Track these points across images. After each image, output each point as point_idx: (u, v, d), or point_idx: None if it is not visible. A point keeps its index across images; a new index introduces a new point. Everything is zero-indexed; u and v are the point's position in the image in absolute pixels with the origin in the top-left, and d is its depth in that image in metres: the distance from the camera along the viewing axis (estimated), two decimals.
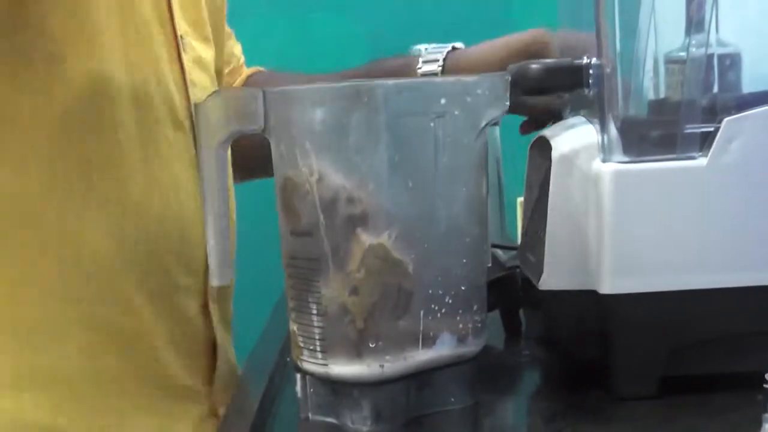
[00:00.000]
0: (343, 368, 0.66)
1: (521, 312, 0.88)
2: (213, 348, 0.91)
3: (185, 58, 0.89)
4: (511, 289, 0.84)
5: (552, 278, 0.70)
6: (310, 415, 0.69)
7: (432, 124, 0.65)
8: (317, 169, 0.65)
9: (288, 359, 0.82)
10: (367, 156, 0.64)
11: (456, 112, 0.66)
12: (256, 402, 0.72)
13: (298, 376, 0.70)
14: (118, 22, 0.81)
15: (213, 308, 0.90)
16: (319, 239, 0.65)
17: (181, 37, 0.89)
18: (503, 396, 0.75)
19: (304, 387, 0.69)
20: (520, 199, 1.11)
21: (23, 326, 0.78)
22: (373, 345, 0.65)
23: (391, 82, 0.67)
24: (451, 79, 0.68)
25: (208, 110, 0.67)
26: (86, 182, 0.79)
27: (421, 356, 0.66)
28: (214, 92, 0.68)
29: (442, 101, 0.65)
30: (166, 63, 0.87)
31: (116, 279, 0.81)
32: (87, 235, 0.79)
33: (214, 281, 0.69)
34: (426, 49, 1.04)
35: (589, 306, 0.69)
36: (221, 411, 0.90)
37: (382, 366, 0.65)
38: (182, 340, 0.87)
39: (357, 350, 0.65)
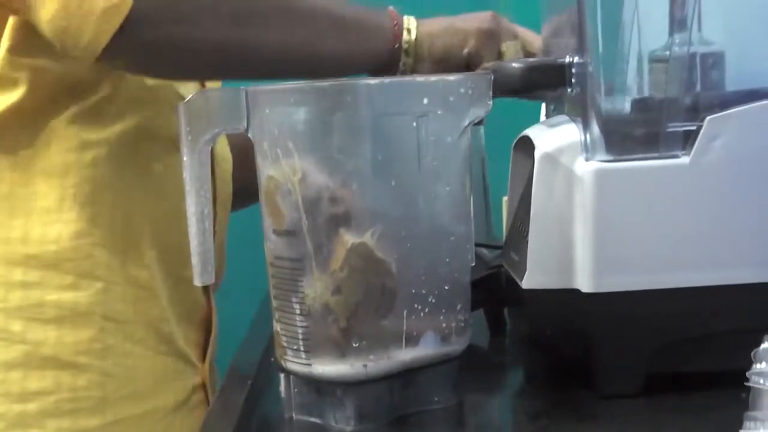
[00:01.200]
0: (327, 368, 0.66)
1: (506, 311, 0.88)
2: (208, 327, 0.93)
3: None
4: (495, 288, 0.84)
5: (535, 277, 0.70)
6: (293, 414, 0.69)
7: (415, 124, 0.65)
8: (300, 169, 0.65)
9: (272, 359, 0.82)
10: (350, 155, 0.64)
11: (439, 112, 0.66)
12: (240, 401, 0.71)
13: (282, 375, 0.70)
14: None
15: (212, 286, 0.92)
16: (302, 239, 0.65)
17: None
18: (488, 394, 0.75)
19: (287, 387, 0.69)
20: (506, 198, 1.11)
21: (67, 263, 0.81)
22: (357, 344, 0.65)
23: (374, 81, 0.67)
24: (433, 78, 0.68)
25: (191, 110, 0.67)
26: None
27: (404, 355, 0.66)
28: (197, 92, 0.68)
29: (425, 101, 0.65)
30: None
31: (133, 232, 0.83)
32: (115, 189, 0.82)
33: (197, 281, 0.69)
34: None
35: (572, 304, 0.69)
36: (209, 392, 0.92)
37: (365, 365, 0.65)
38: (183, 309, 0.89)
39: (340, 350, 0.65)
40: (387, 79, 0.68)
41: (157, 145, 0.85)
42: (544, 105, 0.99)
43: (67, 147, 0.80)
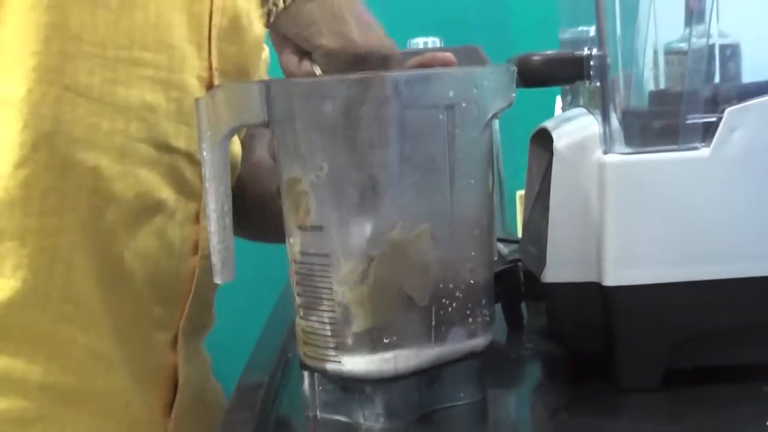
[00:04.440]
0: (357, 364, 0.65)
1: (523, 305, 0.87)
2: (176, 381, 0.88)
3: None
4: (512, 283, 0.84)
5: (555, 270, 0.70)
6: (318, 413, 0.68)
7: (441, 116, 0.64)
8: (327, 163, 0.64)
9: (289, 355, 0.82)
10: (378, 149, 0.63)
11: (463, 104, 0.65)
12: (258, 399, 0.71)
13: (306, 373, 0.68)
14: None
15: (181, 342, 0.88)
16: (330, 234, 0.64)
17: (215, 68, 0.87)
18: (507, 389, 0.74)
19: (311, 385, 0.68)
20: (520, 193, 1.10)
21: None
22: (387, 340, 0.64)
23: (401, 73, 0.66)
24: (459, 70, 0.67)
25: (209, 105, 0.66)
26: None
27: (433, 351, 0.65)
28: (216, 86, 0.67)
29: (451, 93, 0.64)
30: (199, 93, 0.86)
31: (87, 301, 0.79)
32: (64, 249, 0.77)
33: (218, 279, 0.68)
34: (425, 43, 1.04)
35: (592, 298, 0.69)
36: None
37: (395, 361, 0.64)
38: (143, 371, 0.84)
39: (370, 346, 0.64)
40: (414, 71, 0.67)
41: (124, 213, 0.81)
42: (559, 98, 0.99)
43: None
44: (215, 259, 0.68)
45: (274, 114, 0.66)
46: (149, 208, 0.82)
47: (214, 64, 0.87)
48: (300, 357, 0.69)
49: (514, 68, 0.67)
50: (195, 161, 0.86)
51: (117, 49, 0.78)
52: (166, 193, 0.83)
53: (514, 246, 0.86)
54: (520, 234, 0.86)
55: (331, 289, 0.65)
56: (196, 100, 0.67)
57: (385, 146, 0.64)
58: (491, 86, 0.66)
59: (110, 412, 0.82)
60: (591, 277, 0.69)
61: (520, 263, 0.83)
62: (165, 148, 0.83)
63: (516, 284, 0.83)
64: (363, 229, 0.64)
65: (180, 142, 0.84)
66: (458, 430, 0.67)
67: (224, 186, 0.67)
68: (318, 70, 0.71)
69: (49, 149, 0.75)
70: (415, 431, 0.66)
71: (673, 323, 0.68)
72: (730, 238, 0.68)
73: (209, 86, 0.86)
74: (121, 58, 0.78)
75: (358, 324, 0.65)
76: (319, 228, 0.65)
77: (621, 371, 0.69)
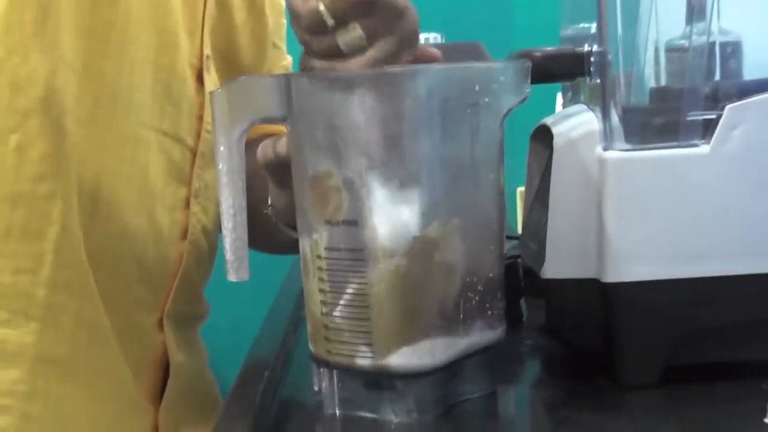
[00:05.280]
0: (392, 359, 0.64)
1: (522, 301, 0.88)
2: (166, 367, 0.88)
3: (207, 78, 0.88)
4: (512, 279, 0.84)
5: (554, 267, 0.70)
6: (337, 410, 0.67)
7: (469, 111, 0.64)
8: (365, 158, 0.63)
9: (287, 352, 0.82)
10: (416, 144, 0.63)
11: (486, 99, 0.65)
12: (258, 392, 0.71)
13: (323, 371, 0.67)
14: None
15: (168, 326, 0.88)
16: (366, 228, 0.63)
17: (207, 56, 0.88)
18: (506, 386, 0.74)
19: (331, 382, 0.67)
20: (520, 189, 1.11)
21: None
22: (423, 334, 0.64)
23: (438, 67, 0.66)
24: (482, 65, 0.66)
25: (226, 98, 0.65)
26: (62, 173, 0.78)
27: (461, 343, 0.65)
28: (234, 79, 0.65)
29: (477, 87, 0.64)
30: (189, 78, 0.86)
31: (82, 271, 0.79)
32: (57, 214, 0.77)
33: (232, 277, 0.66)
34: (426, 38, 1.04)
35: (592, 294, 0.69)
36: None
37: (432, 354, 0.64)
38: (133, 348, 0.85)
39: (406, 339, 0.64)
40: (450, 65, 0.67)
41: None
42: (559, 94, 0.99)
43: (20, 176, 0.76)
44: (230, 256, 0.66)
45: (298, 109, 0.65)
46: (137, 189, 0.82)
47: (206, 52, 0.87)
48: (315, 354, 0.68)
49: (529, 64, 0.67)
50: (185, 144, 0.86)
51: (106, 28, 0.79)
52: (153, 174, 0.83)
53: (514, 242, 0.86)
54: (520, 230, 0.86)
55: (365, 283, 0.63)
56: (212, 93, 0.65)
57: (423, 141, 0.63)
58: (507, 81, 0.66)
59: (106, 389, 0.82)
60: (590, 274, 0.69)
61: (519, 259, 0.83)
62: (150, 127, 0.82)
63: (516, 280, 0.83)
64: (400, 224, 0.63)
65: (165, 124, 0.84)
66: (461, 425, 0.67)
67: (240, 182, 0.65)
68: (322, 6, 0.69)
69: (41, 116, 0.75)
70: (427, 428, 0.65)
71: (673, 320, 0.68)
72: (729, 235, 0.68)
73: (199, 75, 0.87)
74: (110, 37, 0.79)
75: (394, 318, 0.64)
76: (353, 223, 0.64)
77: (620, 368, 0.69)
